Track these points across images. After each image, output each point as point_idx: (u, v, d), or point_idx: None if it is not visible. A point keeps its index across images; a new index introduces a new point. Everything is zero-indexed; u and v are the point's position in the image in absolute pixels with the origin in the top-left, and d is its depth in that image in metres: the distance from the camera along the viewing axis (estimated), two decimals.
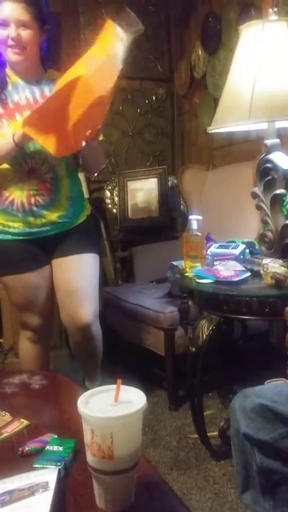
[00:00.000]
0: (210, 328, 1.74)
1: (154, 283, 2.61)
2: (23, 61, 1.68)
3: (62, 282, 1.80)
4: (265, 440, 1.00)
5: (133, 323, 2.43)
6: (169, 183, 3.12)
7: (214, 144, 3.02)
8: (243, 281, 1.57)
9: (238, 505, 1.57)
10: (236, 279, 1.56)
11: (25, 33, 1.63)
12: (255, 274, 1.59)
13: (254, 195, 1.68)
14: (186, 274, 1.71)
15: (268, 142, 1.62)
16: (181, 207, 3.07)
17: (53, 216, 1.73)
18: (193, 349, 1.79)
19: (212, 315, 1.74)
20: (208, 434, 1.87)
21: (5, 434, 1.01)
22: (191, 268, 1.71)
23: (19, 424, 1.05)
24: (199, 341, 1.75)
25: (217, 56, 2.85)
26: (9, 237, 1.73)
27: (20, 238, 1.73)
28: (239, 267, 1.64)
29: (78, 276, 1.78)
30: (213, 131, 1.71)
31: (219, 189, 2.68)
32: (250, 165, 2.29)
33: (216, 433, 1.90)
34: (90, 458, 0.75)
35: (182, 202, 3.05)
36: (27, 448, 0.93)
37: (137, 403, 0.76)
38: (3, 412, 1.10)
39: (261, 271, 1.51)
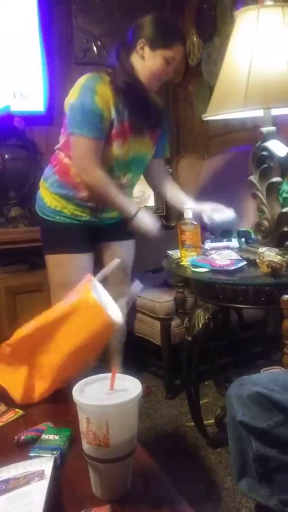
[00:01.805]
0: (206, 317, 1.74)
1: (150, 272, 2.61)
2: None
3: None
4: (261, 427, 1.00)
5: (129, 313, 2.42)
6: None
7: (209, 132, 3.00)
8: (239, 270, 1.56)
9: (235, 492, 1.58)
10: (232, 268, 1.55)
11: None
12: (251, 263, 1.58)
13: (250, 184, 1.67)
14: (181, 263, 1.71)
15: (264, 129, 1.61)
16: None
17: (115, 213, 1.90)
18: (189, 338, 1.79)
19: (208, 304, 1.74)
20: (204, 422, 1.88)
21: (0, 424, 1.01)
22: (186, 257, 1.70)
23: (14, 414, 1.04)
24: (195, 330, 1.75)
25: (212, 43, 2.83)
26: (76, 222, 1.85)
27: (86, 224, 1.87)
28: (235, 256, 1.64)
29: (126, 258, 2.01)
30: (208, 118, 1.70)
31: (214, 178, 2.67)
32: (246, 154, 2.28)
33: (212, 421, 1.91)
34: (85, 446, 0.75)
35: None
36: (23, 437, 0.93)
37: (132, 391, 0.76)
38: None
39: (257, 260, 1.51)
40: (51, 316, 1.11)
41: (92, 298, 1.07)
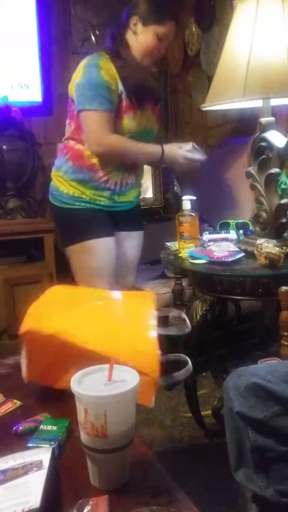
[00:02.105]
0: (204, 309, 1.75)
1: (148, 264, 2.60)
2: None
3: (125, 252, 2.02)
4: (259, 418, 1.00)
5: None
6: None
7: (208, 123, 2.99)
8: (237, 261, 1.56)
9: (232, 482, 1.59)
10: (230, 259, 1.55)
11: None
12: (249, 255, 1.58)
13: (249, 175, 1.67)
14: (179, 255, 1.71)
15: (263, 120, 1.60)
16: (175, 188, 3.05)
17: (131, 196, 1.94)
18: (187, 330, 1.79)
19: (206, 295, 1.75)
20: (202, 413, 1.89)
21: None
22: (184, 249, 1.70)
23: (12, 405, 1.04)
24: (192, 322, 1.75)
25: (211, 33, 2.80)
26: (97, 207, 1.86)
27: (105, 209, 1.88)
28: (233, 247, 1.64)
29: (137, 249, 2.06)
30: (207, 108, 1.68)
31: (213, 169, 2.66)
32: (244, 145, 2.27)
33: (209, 412, 1.91)
34: (83, 437, 0.75)
35: (175, 182, 3.03)
36: (21, 428, 0.93)
37: (130, 382, 0.76)
38: None
39: (255, 252, 1.50)
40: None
41: (157, 377, 0.91)
